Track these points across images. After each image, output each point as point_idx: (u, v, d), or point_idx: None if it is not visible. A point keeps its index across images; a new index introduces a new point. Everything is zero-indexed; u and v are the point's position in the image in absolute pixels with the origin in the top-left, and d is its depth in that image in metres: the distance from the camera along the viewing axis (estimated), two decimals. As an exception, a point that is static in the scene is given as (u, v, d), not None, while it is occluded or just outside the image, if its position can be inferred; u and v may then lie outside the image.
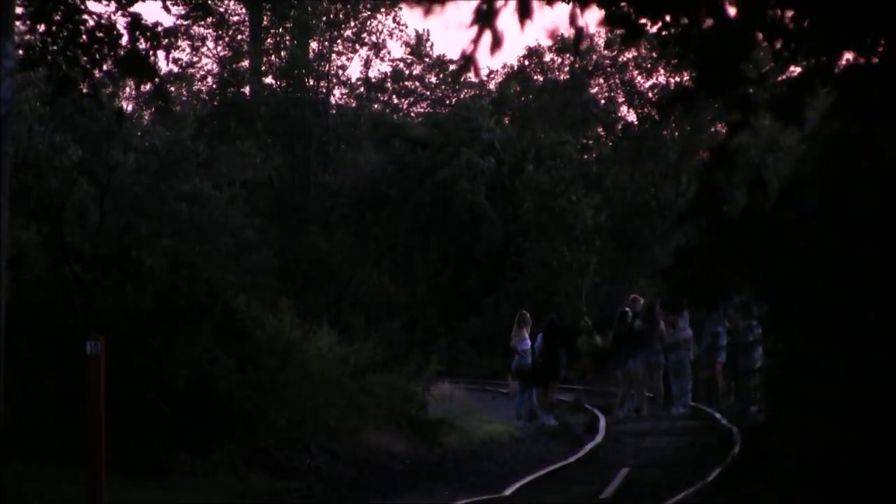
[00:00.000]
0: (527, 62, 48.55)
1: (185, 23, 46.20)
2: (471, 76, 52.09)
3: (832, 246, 5.48)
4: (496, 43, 5.63)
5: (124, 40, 16.48)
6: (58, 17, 15.94)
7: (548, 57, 47.95)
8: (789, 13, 5.66)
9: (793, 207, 5.41)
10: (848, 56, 5.82)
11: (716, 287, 5.42)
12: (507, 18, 5.78)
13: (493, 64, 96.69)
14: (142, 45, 16.58)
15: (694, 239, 5.43)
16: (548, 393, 25.36)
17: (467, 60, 5.71)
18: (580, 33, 5.94)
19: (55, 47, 15.92)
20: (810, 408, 5.88)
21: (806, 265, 5.46)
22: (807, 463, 5.89)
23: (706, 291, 5.45)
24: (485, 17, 5.55)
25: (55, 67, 16.01)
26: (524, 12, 5.61)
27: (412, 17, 60.62)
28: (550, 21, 6.08)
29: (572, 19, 5.86)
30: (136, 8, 16.88)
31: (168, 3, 18.01)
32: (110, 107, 31.54)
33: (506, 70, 50.32)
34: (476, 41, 5.63)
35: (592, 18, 6.46)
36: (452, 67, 51.25)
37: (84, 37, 16.12)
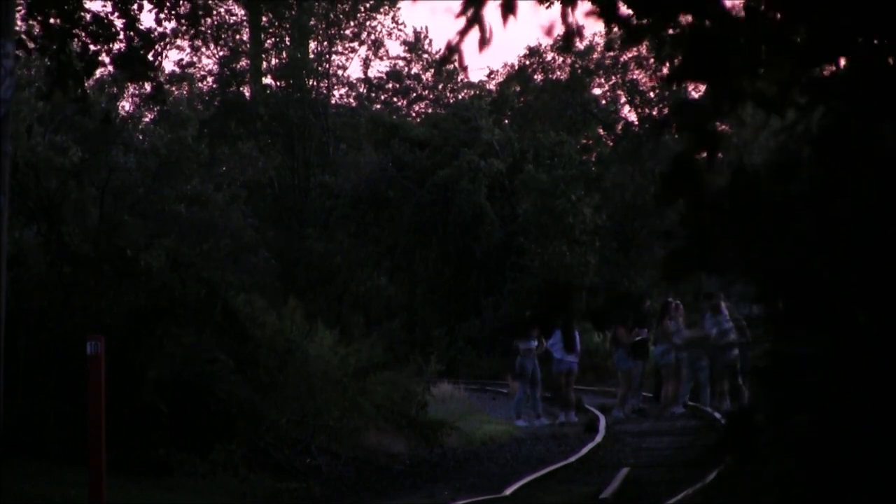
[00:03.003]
0: (528, 61, 48.62)
1: (183, 27, 46.19)
2: (466, 74, 52.31)
3: (827, 231, 5.47)
4: (484, 38, 5.62)
5: (120, 38, 16.53)
6: (54, 12, 15.97)
7: (549, 56, 48.01)
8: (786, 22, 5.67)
9: (785, 188, 5.40)
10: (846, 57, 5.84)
11: (706, 255, 5.41)
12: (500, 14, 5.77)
13: (493, 64, 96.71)
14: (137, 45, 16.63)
15: (680, 220, 5.42)
16: (566, 390, 25.42)
17: (451, 51, 5.70)
18: (571, 31, 5.92)
19: (51, 32, 15.94)
20: (798, 397, 5.89)
21: (799, 247, 5.45)
22: (804, 458, 5.90)
23: (702, 260, 5.43)
24: (476, 2, 5.54)
25: (54, 59, 16.04)
26: (508, 8, 5.61)
27: (409, 14, 60.68)
28: (548, 19, 6.08)
29: (563, 17, 5.85)
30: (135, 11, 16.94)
31: (161, 14, 18.06)
32: (101, 109, 31.53)
33: (507, 69, 50.45)
34: (463, 32, 5.62)
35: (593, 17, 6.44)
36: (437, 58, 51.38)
37: (80, 30, 16.15)
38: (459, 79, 53.11)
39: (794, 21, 5.57)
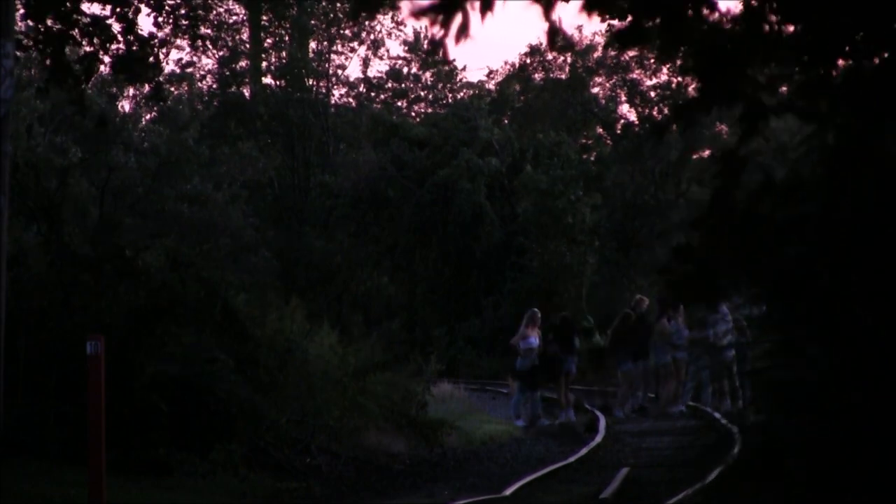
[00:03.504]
0: (529, 60, 48.62)
1: (180, 32, 46.14)
2: (466, 74, 52.34)
3: (834, 245, 5.48)
4: (461, 31, 5.62)
5: (118, 41, 16.55)
6: (52, 14, 15.98)
7: (550, 56, 48.00)
8: (789, 26, 5.66)
9: (795, 207, 5.42)
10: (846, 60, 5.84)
11: (714, 283, 5.43)
12: (503, 12, 5.78)
13: (493, 64, 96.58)
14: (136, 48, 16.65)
15: (694, 236, 5.43)
16: (563, 391, 25.40)
17: (436, 45, 5.71)
18: (555, 28, 5.93)
19: (49, 34, 15.96)
20: (808, 406, 5.90)
21: (807, 264, 5.46)
22: (808, 463, 5.91)
23: (704, 288, 5.45)
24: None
25: (52, 59, 16.05)
26: (486, 5, 5.62)
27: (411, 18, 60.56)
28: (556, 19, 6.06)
29: (546, 14, 5.85)
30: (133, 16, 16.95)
31: (160, 19, 18.09)
32: (98, 110, 31.54)
33: (508, 67, 50.46)
34: (446, 26, 5.63)
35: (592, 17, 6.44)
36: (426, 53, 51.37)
37: (78, 32, 16.16)
38: (459, 79, 53.12)
39: (794, 23, 5.58)
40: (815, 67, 5.62)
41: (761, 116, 5.51)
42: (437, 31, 5.65)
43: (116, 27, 16.74)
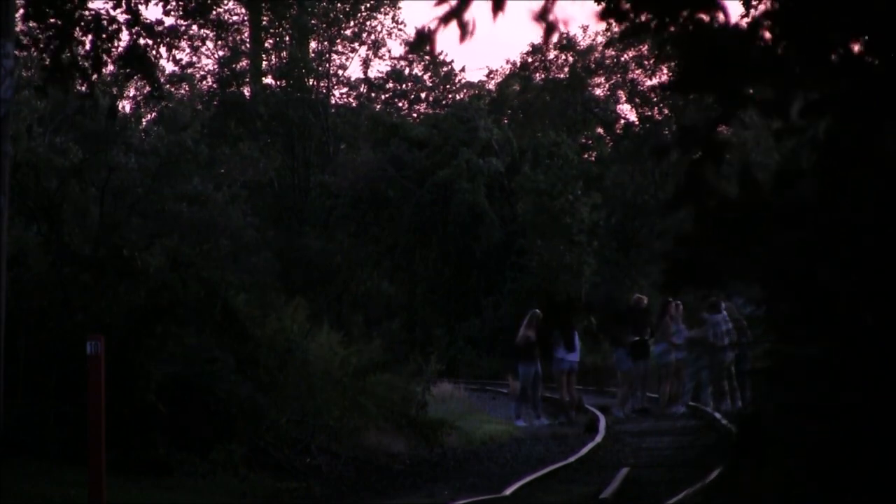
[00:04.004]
0: (530, 59, 48.64)
1: (186, 22, 46.21)
2: (465, 75, 52.26)
3: (831, 235, 5.48)
4: (465, 30, 5.61)
5: (123, 36, 16.51)
6: (52, 13, 15.95)
7: (551, 55, 48.02)
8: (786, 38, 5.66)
9: (789, 195, 5.41)
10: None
11: (712, 271, 5.42)
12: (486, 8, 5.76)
13: (493, 63, 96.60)
14: (142, 41, 16.61)
15: (689, 226, 5.42)
16: (565, 390, 25.40)
17: (423, 38, 5.70)
18: (550, 28, 5.92)
19: (50, 33, 15.93)
20: (804, 401, 5.90)
21: (803, 254, 5.45)
22: (806, 459, 5.92)
23: (703, 275, 5.44)
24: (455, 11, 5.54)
25: (53, 59, 16.03)
26: (497, 4, 5.60)
27: (410, 14, 60.65)
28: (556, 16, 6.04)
29: (543, 14, 5.83)
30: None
31: (168, 6, 18.06)
32: (105, 104, 31.52)
33: (509, 66, 50.49)
34: (444, 20, 5.60)
35: (590, 14, 6.43)
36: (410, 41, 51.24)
37: (78, 29, 16.13)
38: (458, 79, 53.11)
39: (795, 37, 5.56)
40: (816, 84, 5.61)
41: (740, 104, 5.49)
42: (431, 24, 5.64)
43: (121, 18, 16.69)
